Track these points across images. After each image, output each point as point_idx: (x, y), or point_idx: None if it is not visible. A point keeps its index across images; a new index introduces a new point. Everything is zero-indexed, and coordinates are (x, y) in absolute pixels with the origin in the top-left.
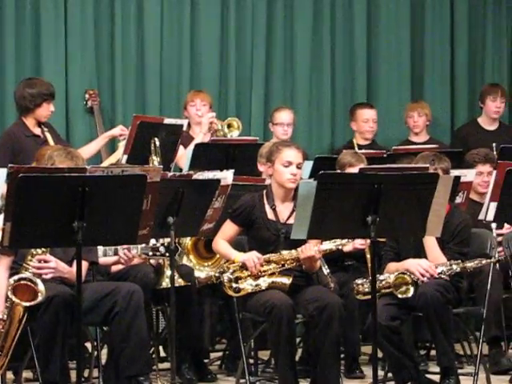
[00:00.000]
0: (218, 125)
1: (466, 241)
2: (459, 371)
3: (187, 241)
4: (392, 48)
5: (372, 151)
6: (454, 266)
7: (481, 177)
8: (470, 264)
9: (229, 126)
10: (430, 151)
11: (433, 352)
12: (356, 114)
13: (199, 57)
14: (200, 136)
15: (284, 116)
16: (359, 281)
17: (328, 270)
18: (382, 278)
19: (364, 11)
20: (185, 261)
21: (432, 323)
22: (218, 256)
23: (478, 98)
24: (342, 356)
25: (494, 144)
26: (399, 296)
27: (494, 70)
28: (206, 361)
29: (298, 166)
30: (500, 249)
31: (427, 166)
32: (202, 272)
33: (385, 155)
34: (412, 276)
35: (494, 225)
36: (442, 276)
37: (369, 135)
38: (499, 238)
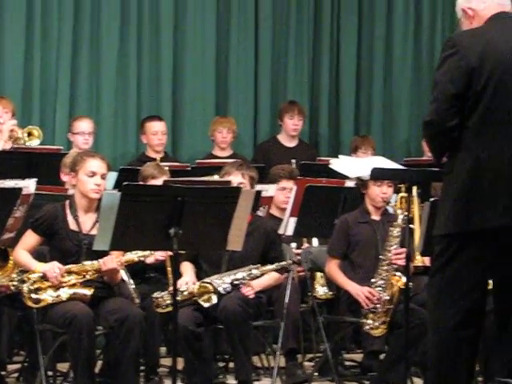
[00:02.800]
0: (19, 133)
1: (280, 243)
2: (256, 383)
3: None
4: (197, 62)
5: (177, 164)
6: (254, 271)
7: (284, 192)
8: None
9: (29, 134)
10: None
11: (231, 364)
12: (145, 127)
13: (3, 63)
14: (0, 143)
15: (84, 125)
16: (157, 294)
17: (133, 286)
18: (183, 288)
19: (171, 24)
20: None
21: (232, 337)
22: (9, 266)
23: (277, 115)
24: (142, 368)
25: (293, 160)
26: (202, 303)
27: (296, 87)
28: (3, 373)
29: (102, 177)
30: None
31: (230, 180)
32: None
33: (189, 168)
34: (214, 284)
35: (293, 244)
36: (243, 281)
37: (159, 148)
38: (298, 251)
